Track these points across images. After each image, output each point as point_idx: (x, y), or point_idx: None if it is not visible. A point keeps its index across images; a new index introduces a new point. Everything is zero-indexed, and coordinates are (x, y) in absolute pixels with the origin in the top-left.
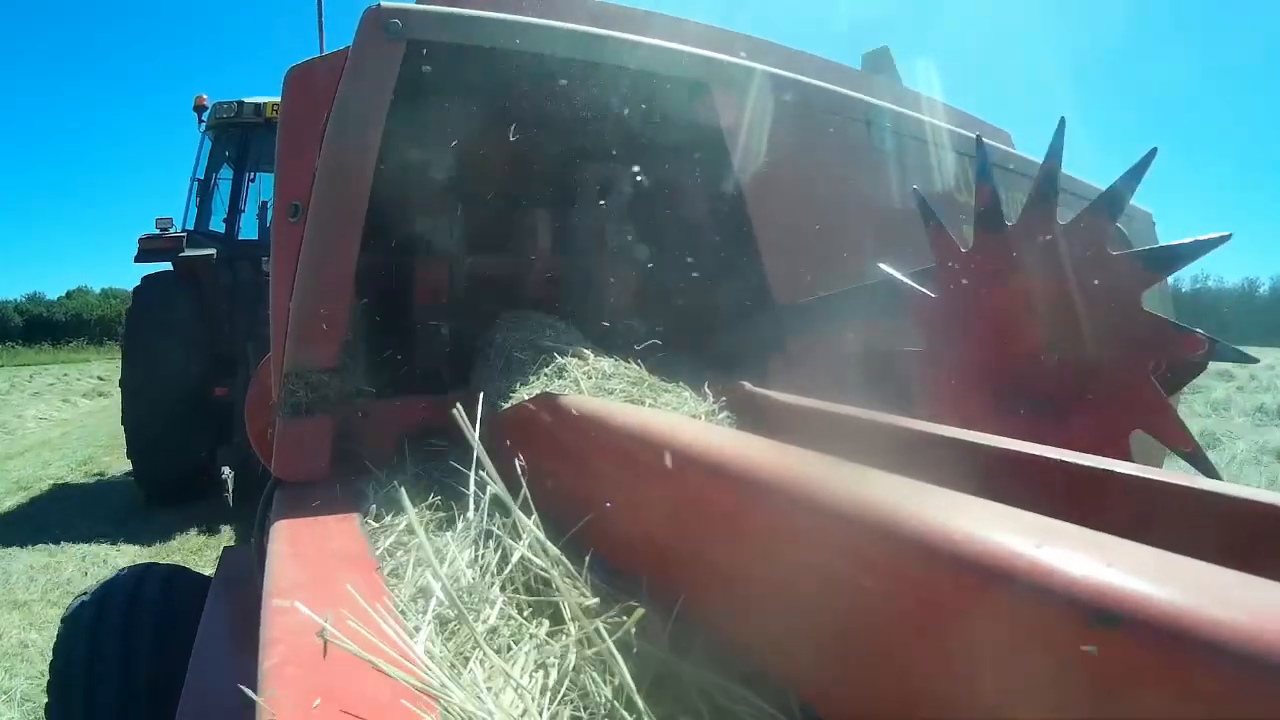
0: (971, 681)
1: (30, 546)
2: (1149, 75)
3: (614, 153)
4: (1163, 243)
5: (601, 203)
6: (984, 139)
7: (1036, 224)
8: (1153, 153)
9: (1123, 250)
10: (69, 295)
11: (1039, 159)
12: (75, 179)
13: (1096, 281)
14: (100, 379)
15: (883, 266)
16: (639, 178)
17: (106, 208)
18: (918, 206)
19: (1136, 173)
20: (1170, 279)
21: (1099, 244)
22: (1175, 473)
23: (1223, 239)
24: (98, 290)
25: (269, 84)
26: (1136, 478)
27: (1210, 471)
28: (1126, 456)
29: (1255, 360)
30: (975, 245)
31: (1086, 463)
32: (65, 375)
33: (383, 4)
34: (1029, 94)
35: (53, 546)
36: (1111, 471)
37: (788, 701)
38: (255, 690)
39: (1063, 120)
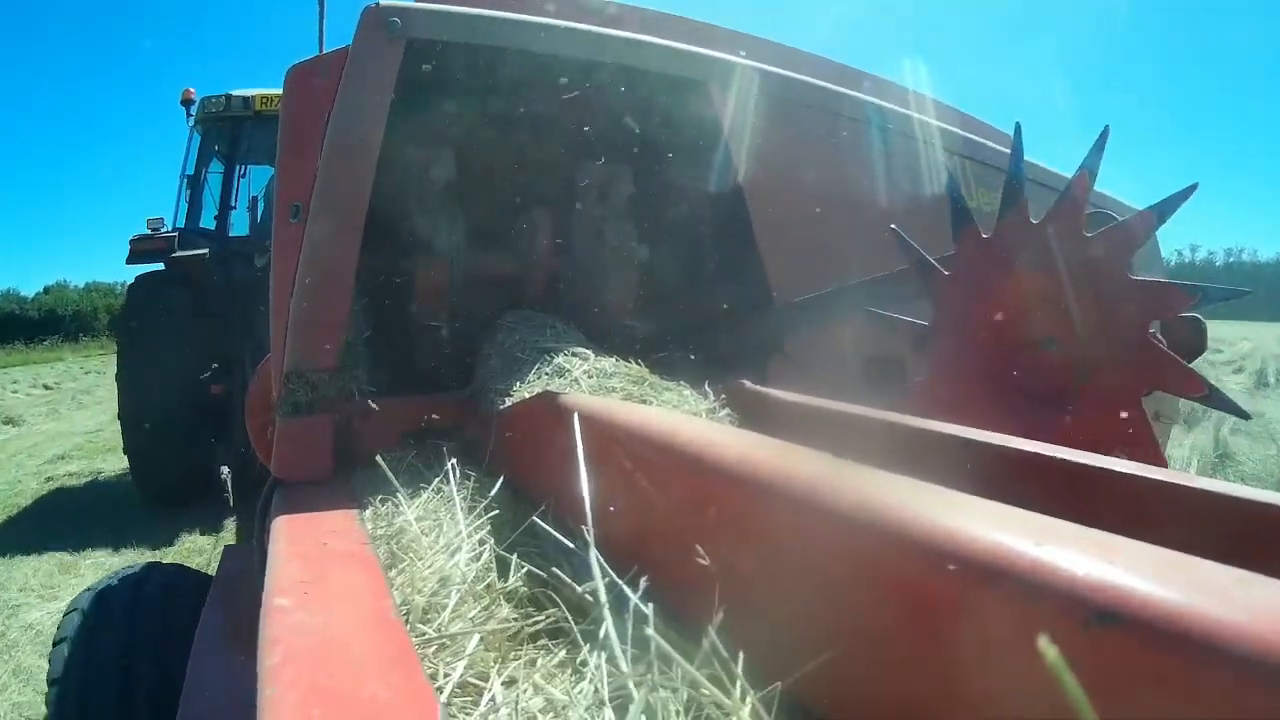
0: (972, 680)
1: (30, 549)
2: (1156, 68)
3: (614, 151)
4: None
5: (602, 202)
6: (985, 141)
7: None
8: (1018, 126)
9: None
10: (46, 291)
11: (1039, 162)
12: (61, 174)
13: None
14: (47, 388)
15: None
16: (639, 177)
17: (90, 203)
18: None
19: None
20: (1190, 254)
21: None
22: (1175, 471)
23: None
24: (82, 285)
25: (257, 76)
26: (1136, 476)
27: (1233, 408)
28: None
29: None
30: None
31: (1086, 461)
32: (12, 384)
33: (382, 2)
34: (1030, 95)
35: (52, 548)
36: (1111, 470)
37: (786, 701)
38: (255, 690)
39: (1018, 125)
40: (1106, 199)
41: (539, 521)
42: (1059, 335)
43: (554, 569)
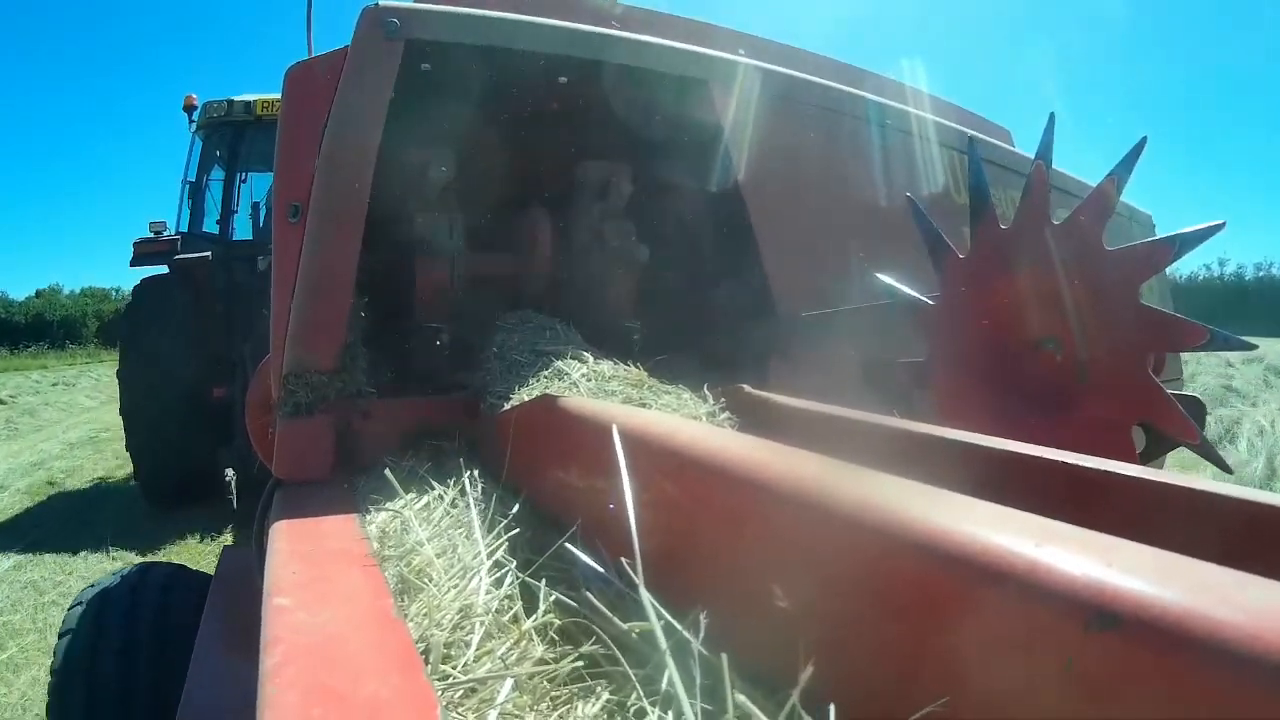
0: (971, 682)
1: (33, 550)
2: (1160, 71)
3: (614, 151)
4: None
5: (602, 202)
6: (985, 137)
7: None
8: (972, 140)
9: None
10: (37, 295)
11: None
12: (59, 179)
13: None
14: (2, 403)
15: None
16: (639, 177)
17: (89, 208)
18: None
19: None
20: (1218, 268)
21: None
22: (1174, 473)
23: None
24: (78, 290)
25: (258, 81)
26: (1136, 478)
27: (1238, 343)
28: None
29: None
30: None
31: (1086, 463)
32: None
33: (381, 3)
34: (1031, 93)
35: (54, 550)
36: (1111, 472)
37: (786, 701)
38: (255, 690)
39: (971, 139)
40: (1077, 183)
41: (570, 548)
42: (1057, 334)
43: (587, 593)
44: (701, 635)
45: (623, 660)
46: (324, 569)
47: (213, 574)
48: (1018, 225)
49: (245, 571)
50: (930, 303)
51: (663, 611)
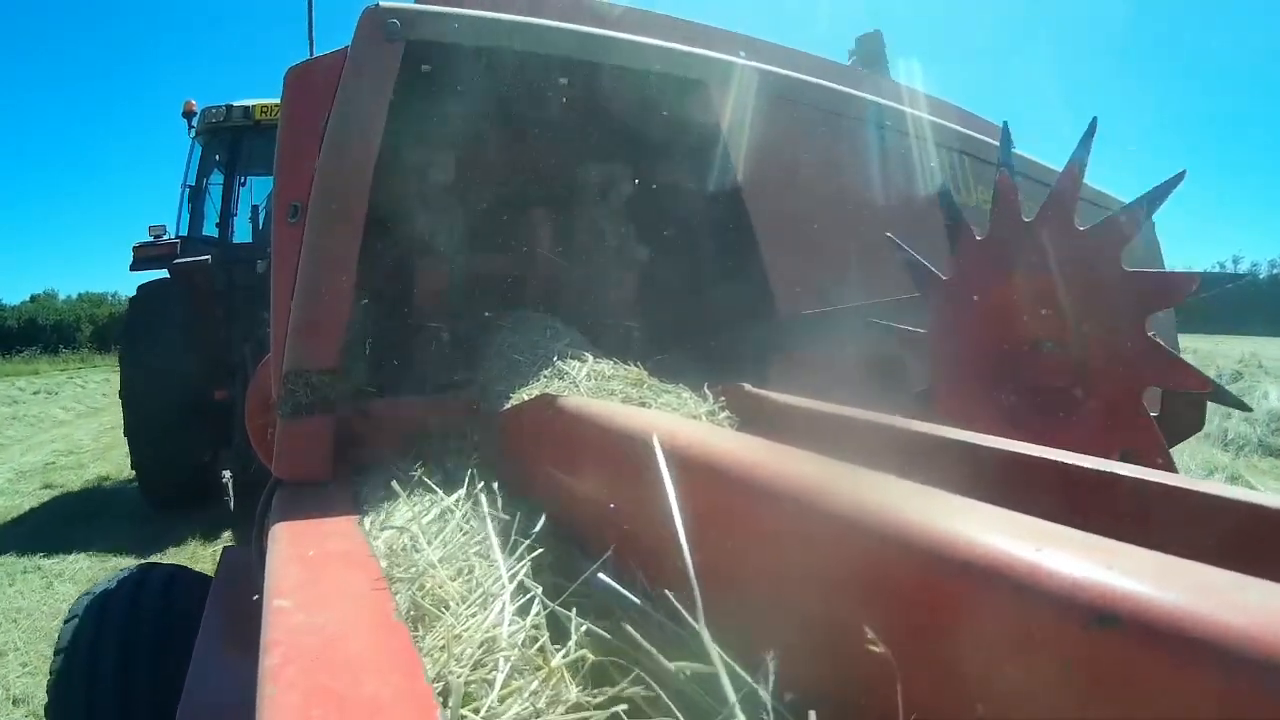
0: (971, 684)
1: (33, 551)
2: (1160, 67)
3: (614, 152)
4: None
5: (601, 202)
6: (983, 136)
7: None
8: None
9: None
10: (32, 299)
11: (1035, 158)
12: (58, 184)
13: None
14: None
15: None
16: (639, 177)
17: (87, 215)
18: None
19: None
20: (1231, 266)
21: None
22: (1174, 474)
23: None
24: (75, 296)
25: (257, 87)
26: (1136, 478)
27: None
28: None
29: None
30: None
31: (1086, 464)
32: None
33: (381, 4)
34: (1030, 94)
35: (55, 551)
36: (1110, 473)
37: (786, 702)
38: (255, 691)
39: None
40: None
41: (604, 578)
42: (1052, 331)
43: (625, 625)
44: (772, 682)
45: (673, 706)
46: (324, 570)
47: (212, 575)
48: (992, 233)
49: (246, 572)
50: (923, 331)
51: (725, 657)
